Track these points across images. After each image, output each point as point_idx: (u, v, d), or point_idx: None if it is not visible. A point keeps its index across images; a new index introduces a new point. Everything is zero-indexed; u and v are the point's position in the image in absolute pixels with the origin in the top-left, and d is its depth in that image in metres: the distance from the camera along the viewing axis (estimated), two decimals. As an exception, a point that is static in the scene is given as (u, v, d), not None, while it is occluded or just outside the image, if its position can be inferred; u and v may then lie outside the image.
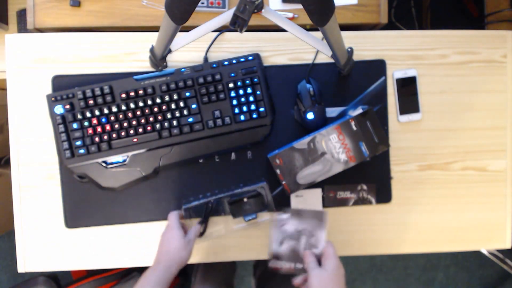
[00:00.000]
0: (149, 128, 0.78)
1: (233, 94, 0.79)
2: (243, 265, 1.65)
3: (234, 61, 0.80)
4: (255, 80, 0.79)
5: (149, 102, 0.78)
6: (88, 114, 0.78)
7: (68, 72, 0.81)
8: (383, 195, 0.85)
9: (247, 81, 0.79)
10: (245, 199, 0.79)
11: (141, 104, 0.78)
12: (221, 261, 0.96)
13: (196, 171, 0.82)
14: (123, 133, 0.78)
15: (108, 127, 0.78)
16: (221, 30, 0.82)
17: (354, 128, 0.77)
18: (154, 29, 0.96)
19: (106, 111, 0.78)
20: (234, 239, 0.83)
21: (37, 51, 0.81)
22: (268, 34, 0.84)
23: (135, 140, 0.78)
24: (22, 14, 1.15)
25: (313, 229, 0.74)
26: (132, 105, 0.78)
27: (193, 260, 0.82)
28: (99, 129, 0.78)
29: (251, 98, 0.79)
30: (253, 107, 0.79)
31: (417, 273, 1.74)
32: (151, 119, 0.78)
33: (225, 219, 0.82)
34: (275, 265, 0.75)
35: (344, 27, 0.97)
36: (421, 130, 0.86)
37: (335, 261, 0.66)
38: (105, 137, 0.78)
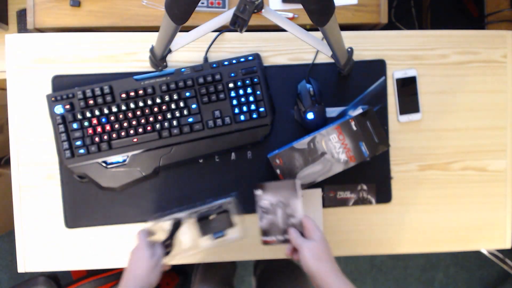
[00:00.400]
0: (149, 128, 0.78)
1: (233, 94, 0.79)
2: (243, 265, 1.65)
3: (234, 61, 0.80)
4: (255, 80, 0.79)
5: (149, 102, 0.78)
6: (88, 114, 0.78)
7: (68, 72, 0.81)
8: (383, 195, 0.85)
9: (247, 81, 0.79)
10: (212, 216, 0.76)
11: (141, 104, 0.78)
12: (222, 261, 0.96)
13: (196, 171, 0.82)
14: (123, 133, 0.78)
15: (108, 127, 0.78)
16: (221, 30, 0.82)
17: (354, 128, 0.77)
18: (154, 29, 0.96)
19: (106, 111, 0.78)
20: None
21: (37, 51, 0.81)
22: (268, 34, 0.84)
23: (135, 140, 0.78)
24: (22, 14, 1.15)
25: (287, 200, 0.73)
26: (132, 105, 0.78)
27: (193, 260, 0.82)
28: (99, 129, 0.78)
29: (251, 98, 0.79)
30: (253, 107, 0.79)
31: (417, 273, 1.74)
32: (151, 119, 0.78)
33: (194, 235, 0.78)
34: (264, 239, 0.74)
35: (344, 27, 0.97)
36: (421, 130, 0.86)
37: (319, 231, 0.68)
38: (105, 137, 0.78)
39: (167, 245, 0.73)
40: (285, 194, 0.73)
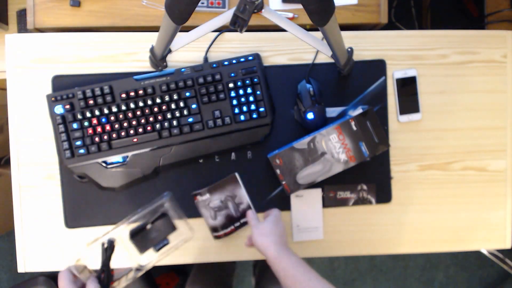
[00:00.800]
0: (149, 128, 0.78)
1: (233, 94, 0.79)
2: (243, 265, 1.65)
3: (234, 61, 0.80)
4: (255, 80, 0.79)
5: (149, 102, 0.78)
6: (88, 114, 0.78)
7: (68, 72, 0.81)
8: (383, 195, 0.85)
9: (247, 81, 0.79)
10: (148, 226, 0.66)
11: (141, 104, 0.78)
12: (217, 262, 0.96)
13: (196, 171, 0.82)
14: (123, 133, 0.78)
15: (108, 127, 0.78)
16: (221, 30, 0.82)
17: (354, 128, 0.77)
18: (154, 29, 0.96)
19: (106, 111, 0.78)
20: (227, 240, 0.83)
21: (37, 51, 0.81)
22: (268, 34, 0.84)
23: (135, 140, 0.78)
24: (22, 14, 1.15)
25: (232, 192, 0.81)
26: (132, 105, 0.78)
27: (185, 260, 0.82)
28: (99, 129, 0.78)
29: (251, 98, 0.79)
30: (253, 107, 0.79)
31: (417, 273, 1.74)
32: (151, 119, 0.78)
33: (132, 255, 0.68)
34: (217, 234, 0.81)
35: (344, 27, 0.96)
36: (421, 130, 0.86)
37: (273, 217, 0.73)
38: (105, 137, 0.78)
39: (104, 277, 0.59)
40: (229, 188, 0.81)
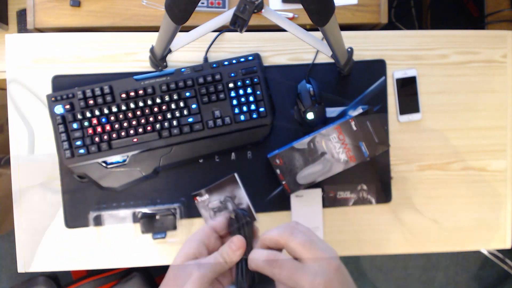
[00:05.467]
0: (149, 128, 0.78)
1: (233, 94, 0.79)
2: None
3: (234, 61, 0.80)
4: (255, 80, 0.79)
5: (149, 102, 0.78)
6: (88, 114, 0.78)
7: (68, 72, 0.81)
8: (383, 195, 0.85)
9: (247, 81, 0.79)
10: (157, 216, 0.79)
11: (141, 104, 0.78)
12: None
13: (196, 171, 0.82)
14: (123, 133, 0.78)
15: (108, 127, 0.78)
16: (221, 30, 0.82)
17: (354, 128, 0.77)
18: (154, 29, 0.96)
19: (106, 111, 0.78)
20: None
21: (37, 51, 0.81)
22: (268, 34, 0.84)
23: (135, 140, 0.78)
24: (22, 14, 1.15)
25: (231, 193, 0.81)
26: (132, 105, 0.78)
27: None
28: (99, 129, 0.78)
29: (251, 98, 0.79)
30: (253, 107, 0.79)
31: (417, 273, 1.74)
32: (151, 119, 0.78)
33: (135, 229, 0.82)
34: None
35: (344, 27, 0.96)
36: (421, 130, 0.86)
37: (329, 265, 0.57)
38: (105, 137, 0.78)
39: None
40: (228, 189, 0.81)
